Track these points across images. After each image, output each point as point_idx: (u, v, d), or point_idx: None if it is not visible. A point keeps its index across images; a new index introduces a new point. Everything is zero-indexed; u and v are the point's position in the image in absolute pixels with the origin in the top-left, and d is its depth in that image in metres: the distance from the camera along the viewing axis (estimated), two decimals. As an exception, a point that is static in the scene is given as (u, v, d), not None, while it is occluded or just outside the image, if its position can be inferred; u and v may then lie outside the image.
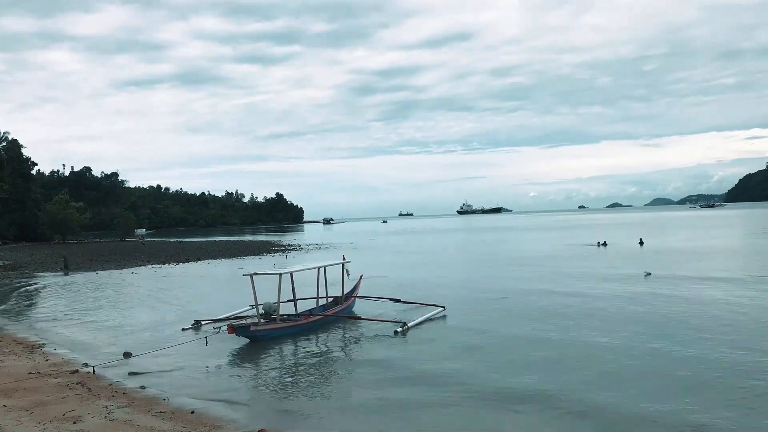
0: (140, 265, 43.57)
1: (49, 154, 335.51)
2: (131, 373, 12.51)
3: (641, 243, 46.43)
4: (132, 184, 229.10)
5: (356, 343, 15.48)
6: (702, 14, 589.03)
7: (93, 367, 12.74)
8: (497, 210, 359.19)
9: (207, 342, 14.51)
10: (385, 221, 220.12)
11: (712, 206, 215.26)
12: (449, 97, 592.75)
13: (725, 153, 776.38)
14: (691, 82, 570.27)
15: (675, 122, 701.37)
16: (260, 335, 15.29)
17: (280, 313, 16.31)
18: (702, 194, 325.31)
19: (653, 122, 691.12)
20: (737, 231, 63.74)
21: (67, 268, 41.79)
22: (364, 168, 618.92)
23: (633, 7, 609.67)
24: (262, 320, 15.82)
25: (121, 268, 41.48)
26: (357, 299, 20.20)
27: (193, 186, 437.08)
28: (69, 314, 21.24)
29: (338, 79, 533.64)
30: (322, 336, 16.44)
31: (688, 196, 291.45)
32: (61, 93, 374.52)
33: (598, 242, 48.71)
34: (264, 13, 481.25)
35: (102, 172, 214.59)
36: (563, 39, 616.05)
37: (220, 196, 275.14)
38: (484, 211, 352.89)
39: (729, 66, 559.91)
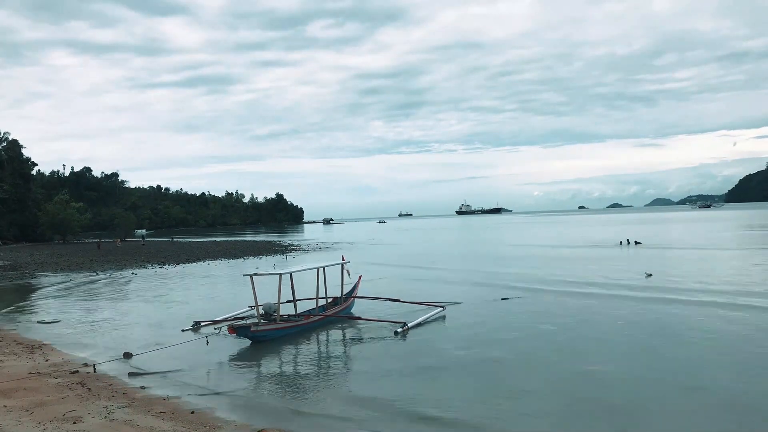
0: (140, 266, 43.57)
1: (45, 152, 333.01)
2: (131, 374, 12.52)
3: (637, 243, 46.68)
4: (132, 184, 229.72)
5: (356, 343, 15.49)
6: (714, 8, 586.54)
7: (93, 367, 12.74)
8: (497, 210, 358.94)
9: (207, 342, 14.55)
10: (382, 222, 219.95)
11: (708, 207, 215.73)
12: (451, 96, 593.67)
13: (728, 153, 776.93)
14: (702, 79, 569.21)
15: (681, 121, 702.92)
16: (260, 336, 15.29)
17: (280, 313, 16.32)
18: (702, 195, 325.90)
19: (658, 122, 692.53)
20: (717, 229, 63.86)
21: None
22: (365, 168, 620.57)
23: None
24: (262, 321, 15.83)
25: (121, 269, 41.49)
26: (357, 299, 20.19)
27: (193, 186, 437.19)
28: (69, 314, 21.23)
29: (339, 77, 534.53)
30: (322, 336, 16.45)
31: (688, 197, 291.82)
32: (55, 89, 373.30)
33: (623, 241, 48.87)
34: (266, 9, 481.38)
35: (102, 172, 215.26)
36: (577, 32, 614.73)
37: (220, 196, 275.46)
38: (483, 212, 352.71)
39: (739, 63, 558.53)
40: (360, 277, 21.39)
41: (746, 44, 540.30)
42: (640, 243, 46.99)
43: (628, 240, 48.91)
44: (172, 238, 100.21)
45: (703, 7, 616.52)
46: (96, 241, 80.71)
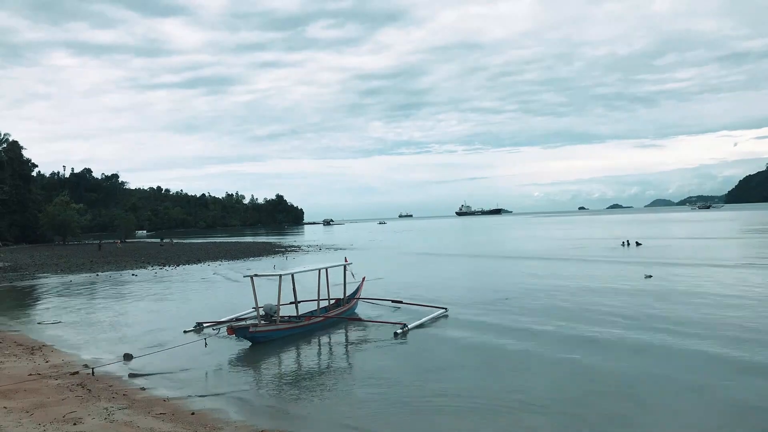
0: (140, 267, 43.57)
1: (45, 153, 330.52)
2: (131, 375, 12.52)
3: (638, 245, 46.59)
4: (132, 186, 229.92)
5: (356, 344, 15.48)
6: (715, 8, 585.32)
7: (93, 368, 12.72)
8: (497, 211, 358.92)
9: (206, 343, 14.52)
10: (382, 222, 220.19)
11: (708, 207, 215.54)
12: (451, 97, 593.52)
13: (728, 154, 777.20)
14: (702, 79, 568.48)
15: (681, 122, 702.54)
16: (259, 336, 15.28)
17: (282, 314, 16.30)
18: (702, 195, 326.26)
19: (658, 122, 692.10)
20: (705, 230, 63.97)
21: None
22: (365, 169, 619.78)
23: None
24: (262, 322, 15.81)
25: (121, 270, 41.48)
26: (359, 301, 20.19)
27: (194, 187, 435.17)
28: (69, 316, 21.22)
29: (339, 78, 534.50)
30: (322, 337, 16.44)
31: (688, 197, 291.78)
32: (55, 90, 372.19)
33: (625, 242, 48.51)
34: (267, 10, 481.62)
35: (102, 173, 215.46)
36: (578, 32, 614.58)
37: (220, 197, 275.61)
38: (483, 213, 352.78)
39: (741, 63, 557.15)
40: (363, 279, 21.38)
41: (747, 44, 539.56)
42: (640, 244, 47.02)
43: (628, 241, 48.87)
44: (171, 240, 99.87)
45: (703, 6, 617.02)
46: (97, 242, 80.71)
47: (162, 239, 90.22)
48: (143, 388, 11.43)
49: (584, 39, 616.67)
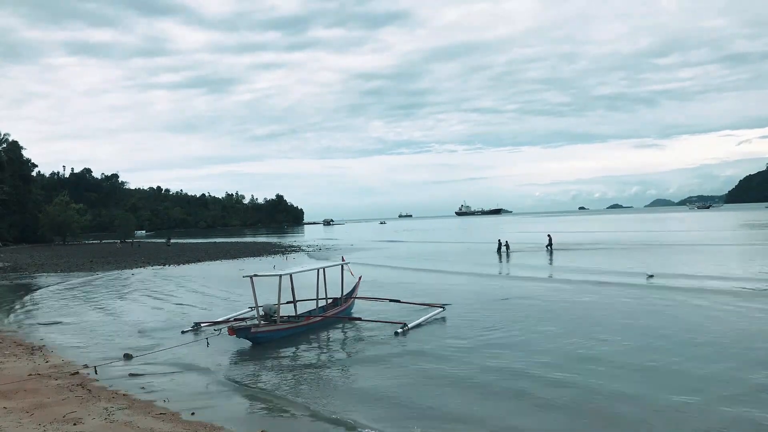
0: (140, 267, 43.59)
1: (44, 153, 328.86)
2: (131, 375, 12.51)
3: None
4: (132, 186, 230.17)
5: (356, 344, 15.47)
6: (718, 7, 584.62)
7: (93, 368, 12.75)
8: (497, 211, 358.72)
9: (208, 343, 14.56)
10: (383, 222, 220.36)
11: (707, 207, 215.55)
12: (452, 97, 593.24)
13: (730, 153, 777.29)
14: (705, 78, 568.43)
15: (683, 121, 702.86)
16: (261, 337, 15.28)
17: (281, 314, 16.31)
18: (702, 195, 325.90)
19: (660, 122, 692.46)
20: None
21: None
22: (365, 169, 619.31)
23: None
24: (262, 322, 15.82)
25: (121, 270, 41.49)
26: (356, 300, 20.20)
27: (194, 187, 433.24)
28: (69, 316, 21.23)
29: (340, 77, 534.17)
30: (323, 337, 16.45)
31: (688, 197, 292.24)
32: (54, 89, 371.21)
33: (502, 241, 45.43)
34: (267, 9, 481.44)
35: (102, 173, 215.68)
36: (581, 31, 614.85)
37: (220, 197, 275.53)
38: (483, 213, 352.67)
39: (744, 62, 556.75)
40: (360, 278, 21.39)
41: (750, 44, 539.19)
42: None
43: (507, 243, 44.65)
44: (168, 239, 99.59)
45: (707, 5, 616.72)
46: (117, 241, 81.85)
47: (168, 239, 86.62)
48: (143, 388, 11.43)
49: (588, 38, 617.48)
